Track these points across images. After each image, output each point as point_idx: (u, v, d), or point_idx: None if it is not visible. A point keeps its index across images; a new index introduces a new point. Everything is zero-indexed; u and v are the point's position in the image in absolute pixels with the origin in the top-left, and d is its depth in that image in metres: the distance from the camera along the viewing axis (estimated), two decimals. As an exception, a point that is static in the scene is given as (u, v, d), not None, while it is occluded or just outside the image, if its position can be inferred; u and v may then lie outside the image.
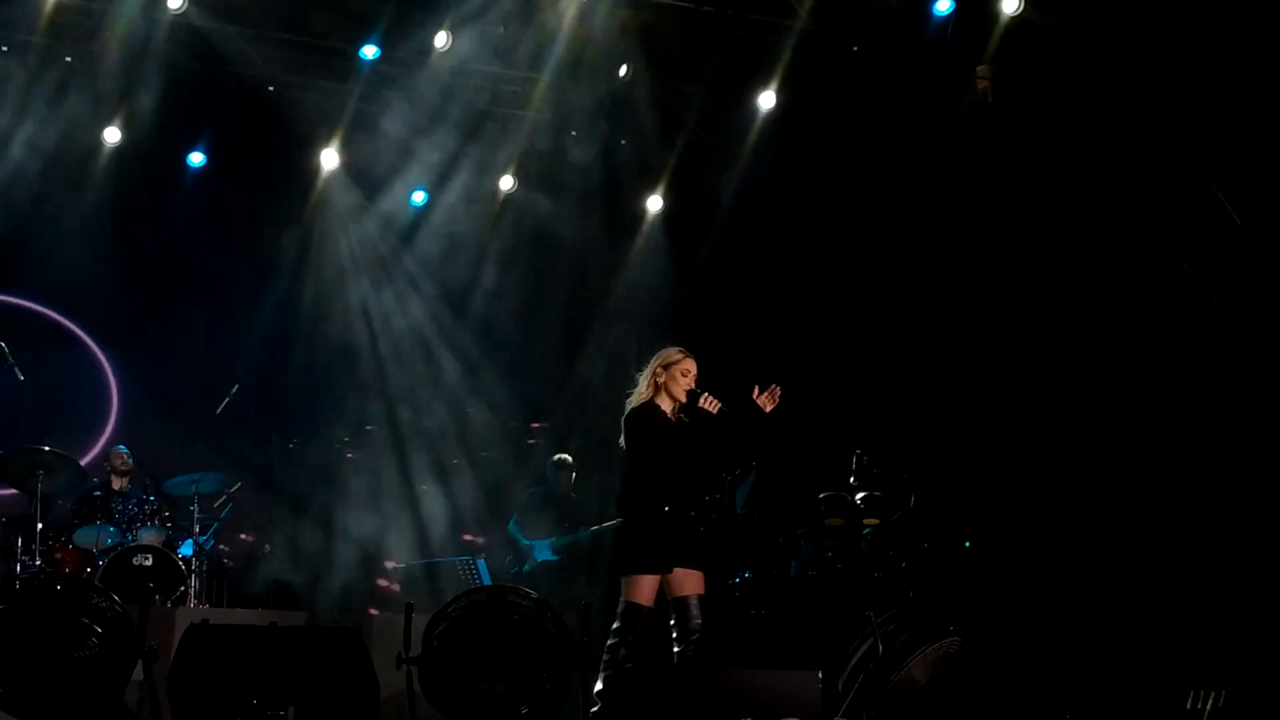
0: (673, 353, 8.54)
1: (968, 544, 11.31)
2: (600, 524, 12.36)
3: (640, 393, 8.53)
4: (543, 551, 12.24)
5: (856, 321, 12.99)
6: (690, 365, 8.47)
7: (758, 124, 13.22)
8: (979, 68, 11.97)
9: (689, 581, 8.35)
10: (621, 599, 8.33)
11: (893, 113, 12.45)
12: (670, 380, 8.44)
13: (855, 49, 12.57)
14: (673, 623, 8.35)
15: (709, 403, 8.33)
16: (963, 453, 11.74)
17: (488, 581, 11.80)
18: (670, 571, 8.30)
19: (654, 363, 8.54)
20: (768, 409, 8.33)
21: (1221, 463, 10.32)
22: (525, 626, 8.00)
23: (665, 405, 8.47)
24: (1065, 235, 11.18)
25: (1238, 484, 10.22)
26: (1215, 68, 10.16)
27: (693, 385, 8.41)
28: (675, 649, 8.29)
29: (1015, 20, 11.57)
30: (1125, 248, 10.85)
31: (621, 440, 8.54)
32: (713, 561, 11.65)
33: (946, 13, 11.94)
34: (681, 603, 8.32)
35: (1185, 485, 10.42)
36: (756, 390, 8.35)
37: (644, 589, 8.26)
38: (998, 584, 10.76)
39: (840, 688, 8.82)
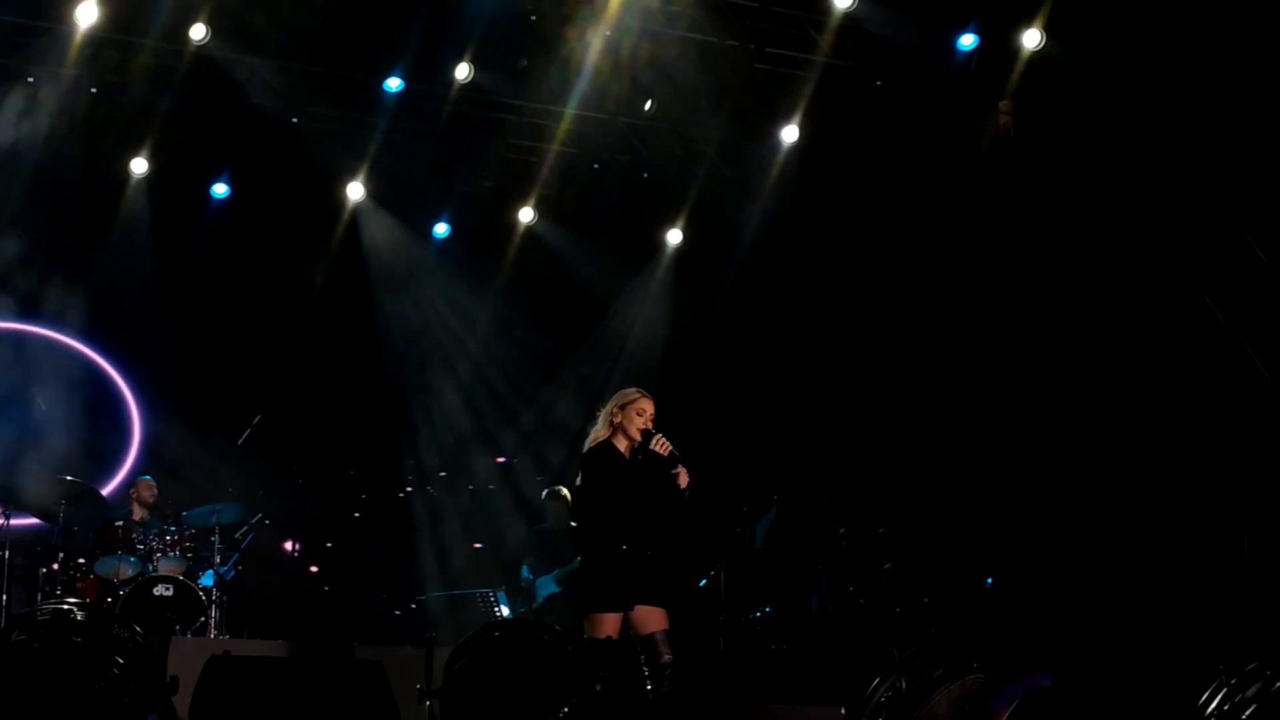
0: (630, 392, 8.58)
1: (989, 581, 11.28)
2: None
3: (597, 432, 8.56)
4: (546, 585, 12.16)
5: (880, 355, 12.98)
6: (646, 405, 8.50)
7: (780, 158, 13.24)
8: (1000, 103, 11.98)
9: (652, 619, 8.32)
10: (585, 637, 8.30)
11: (915, 147, 12.47)
12: (626, 419, 8.46)
13: (878, 83, 12.60)
14: (643, 660, 8.32)
15: (660, 444, 8.34)
16: (985, 491, 11.71)
17: (508, 614, 11.75)
18: (631, 609, 8.28)
19: (611, 402, 8.57)
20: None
21: (1247, 497, 10.28)
22: (547, 660, 7.98)
23: (621, 445, 8.49)
24: (1088, 271, 11.17)
25: (1263, 518, 10.18)
26: (1241, 102, 10.15)
27: (648, 425, 8.43)
28: (649, 687, 8.25)
29: (1037, 55, 11.59)
30: (1149, 283, 10.83)
31: (578, 480, 8.54)
32: (733, 596, 11.69)
33: (970, 48, 11.97)
34: (648, 640, 8.30)
35: (1213, 521, 10.37)
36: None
37: (605, 626, 8.26)
38: (1021, 620, 10.71)
39: (863, 724, 8.78)
